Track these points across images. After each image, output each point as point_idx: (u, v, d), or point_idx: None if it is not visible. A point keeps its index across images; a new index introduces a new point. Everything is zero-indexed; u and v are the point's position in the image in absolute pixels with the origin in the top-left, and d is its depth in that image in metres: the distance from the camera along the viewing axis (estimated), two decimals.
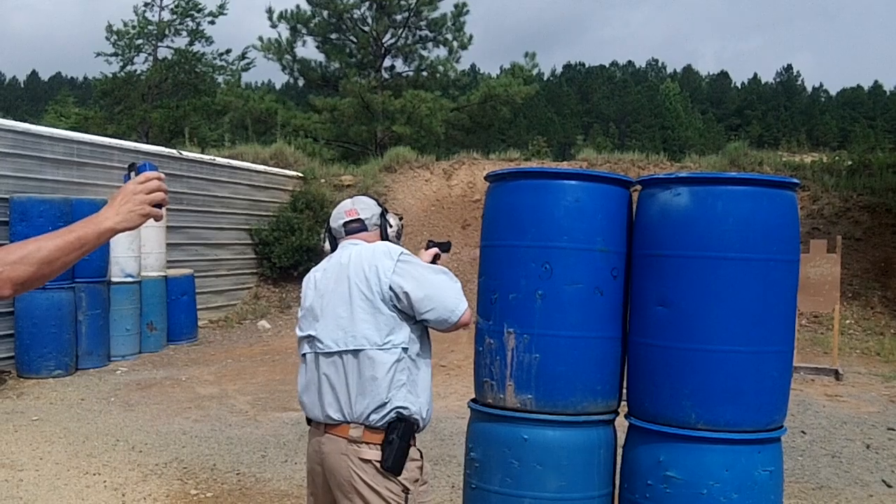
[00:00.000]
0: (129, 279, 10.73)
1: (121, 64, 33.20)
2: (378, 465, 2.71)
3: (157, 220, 1.96)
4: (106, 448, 6.50)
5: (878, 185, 16.00)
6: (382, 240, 3.04)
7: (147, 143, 18.80)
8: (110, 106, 33.57)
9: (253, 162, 16.92)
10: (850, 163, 17.88)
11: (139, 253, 10.95)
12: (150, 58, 33.47)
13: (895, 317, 13.16)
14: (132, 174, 1.98)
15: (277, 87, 42.07)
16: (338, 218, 3.10)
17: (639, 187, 3.60)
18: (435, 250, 3.31)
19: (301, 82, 29.70)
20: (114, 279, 10.53)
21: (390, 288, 2.75)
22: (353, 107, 25.90)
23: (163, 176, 1.98)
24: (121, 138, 15.29)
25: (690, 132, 71.22)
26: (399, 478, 2.73)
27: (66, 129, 15.36)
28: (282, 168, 17.58)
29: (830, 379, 9.90)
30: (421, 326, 2.88)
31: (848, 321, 12.92)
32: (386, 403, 2.71)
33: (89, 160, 11.13)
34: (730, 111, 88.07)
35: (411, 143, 22.85)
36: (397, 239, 3.07)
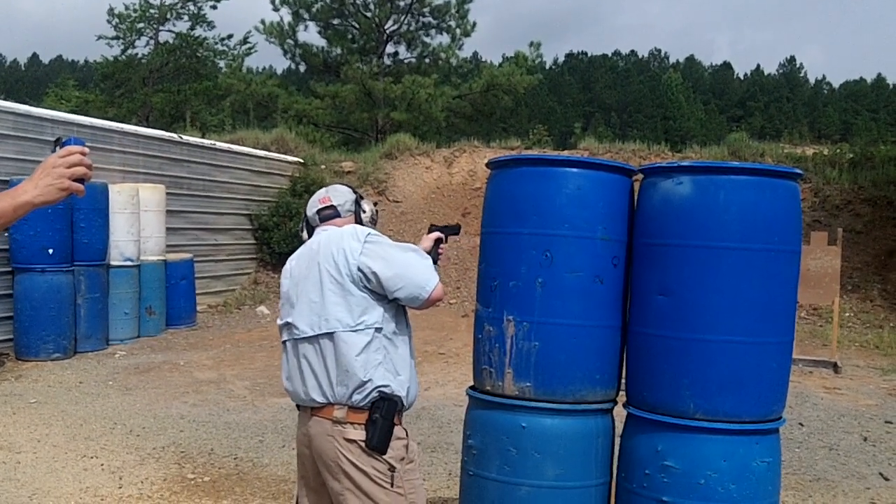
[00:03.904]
0: (129, 263, 10.71)
1: (122, 47, 33.11)
2: (363, 444, 2.73)
3: (78, 195, 1.90)
4: (104, 431, 6.49)
5: (879, 178, 15.96)
6: (357, 223, 3.03)
7: (148, 126, 18.75)
8: (111, 89, 33.48)
9: (254, 147, 16.89)
10: (851, 155, 17.82)
11: (139, 237, 10.93)
12: (152, 41, 33.35)
13: (894, 310, 13.15)
14: (57, 148, 1.93)
15: (279, 72, 41.84)
16: (312, 206, 3.10)
17: (640, 176, 3.59)
18: (436, 235, 3.27)
19: (302, 68, 29.56)
20: (113, 263, 10.51)
21: (359, 269, 2.76)
22: (354, 93, 25.81)
23: (86, 150, 1.92)
24: (121, 122, 15.24)
25: (692, 123, 71.02)
26: (385, 456, 2.74)
27: (67, 112, 15.30)
28: (282, 154, 17.55)
29: (829, 371, 9.90)
30: (395, 305, 2.87)
31: (847, 314, 12.92)
32: (366, 383, 2.72)
33: (89, 143, 10.99)
34: (732, 102, 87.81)
35: (412, 131, 22.78)
36: (372, 224, 3.05)
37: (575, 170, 3.47)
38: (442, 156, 18.87)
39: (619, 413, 3.56)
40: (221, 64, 33.59)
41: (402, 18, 27.70)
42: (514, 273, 3.41)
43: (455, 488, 4.45)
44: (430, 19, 27.68)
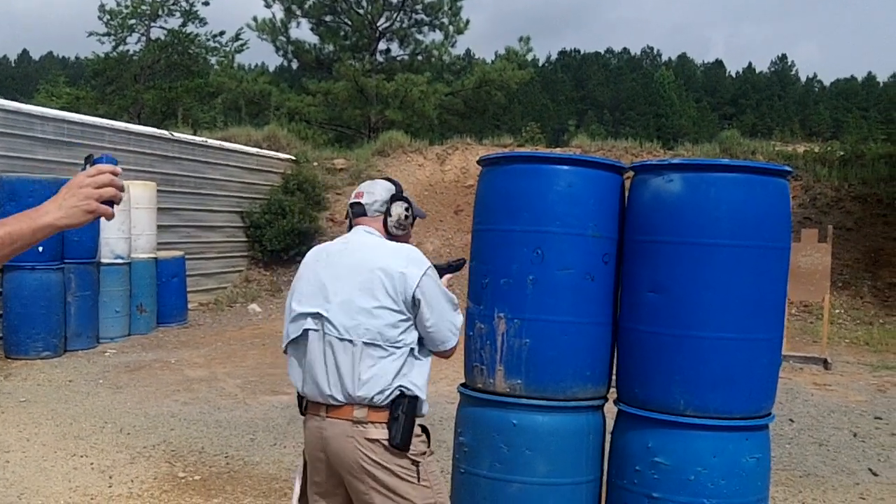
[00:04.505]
0: (119, 260, 10.69)
1: (113, 44, 32.94)
2: (386, 443, 2.70)
3: (107, 218, 1.72)
4: (94, 430, 6.48)
5: (870, 175, 16.03)
6: (384, 227, 2.96)
7: (139, 124, 18.69)
8: (102, 86, 33.34)
9: (245, 144, 16.85)
10: (842, 153, 17.88)
11: (129, 234, 10.89)
12: (143, 38, 33.21)
13: (884, 307, 13.21)
14: (87, 166, 1.76)
15: (271, 69, 41.77)
16: (351, 197, 3.08)
17: (631, 173, 3.59)
18: (447, 278, 3.17)
19: (295, 65, 29.54)
20: (103, 260, 10.47)
21: (413, 297, 2.75)
22: (346, 90, 25.79)
23: (118, 170, 1.74)
24: (112, 119, 15.19)
25: (684, 120, 71.05)
26: (408, 453, 2.72)
27: (58, 108, 15.25)
28: (274, 151, 17.52)
29: (819, 368, 9.93)
30: None
31: (837, 310, 12.97)
32: (388, 386, 2.71)
33: (80, 140, 11.06)
34: (724, 100, 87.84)
35: (404, 128, 22.78)
36: (398, 229, 2.97)
37: (566, 167, 3.47)
38: (434, 153, 18.87)
39: (610, 410, 3.56)
40: (213, 61, 33.49)
41: (395, 15, 27.70)
42: (506, 270, 3.41)
43: (447, 486, 4.44)
44: (423, 16, 27.70)
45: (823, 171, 16.39)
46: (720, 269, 3.18)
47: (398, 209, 2.98)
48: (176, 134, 14.38)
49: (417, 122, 26.24)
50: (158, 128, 15.79)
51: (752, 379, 3.24)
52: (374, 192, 3.01)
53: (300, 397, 2.93)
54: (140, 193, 11.33)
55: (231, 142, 16.41)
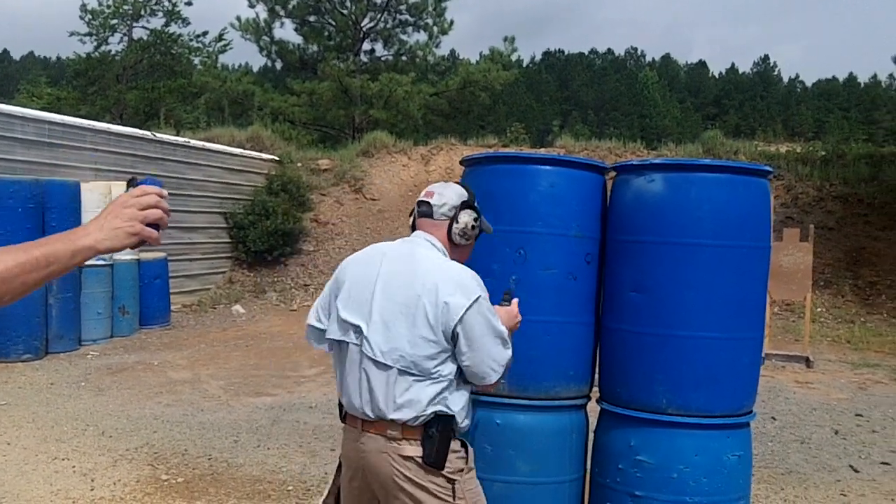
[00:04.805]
0: (101, 262, 10.61)
1: (95, 44, 32.75)
2: (420, 460, 2.61)
3: (151, 242, 1.62)
4: (75, 433, 6.43)
5: (851, 175, 16.16)
6: (448, 234, 2.81)
7: (121, 124, 18.59)
8: (84, 86, 33.12)
9: (229, 145, 16.80)
10: (824, 153, 18.03)
11: None
12: (125, 38, 33.04)
13: (865, 305, 13.31)
14: (130, 188, 1.67)
15: (255, 69, 41.68)
16: (419, 197, 2.92)
17: (614, 173, 3.60)
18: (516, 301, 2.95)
19: (279, 65, 29.51)
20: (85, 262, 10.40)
21: (454, 331, 2.59)
22: (330, 90, 25.76)
23: (164, 192, 1.65)
24: (94, 119, 15.10)
25: (668, 121, 71.40)
26: (443, 471, 2.62)
27: (39, 109, 15.15)
28: (258, 151, 17.46)
29: (801, 366, 9.99)
30: None
31: (819, 309, 13.05)
32: (423, 412, 2.61)
33: (61, 141, 10.99)
34: (707, 100, 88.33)
35: (389, 128, 22.77)
36: (461, 238, 2.81)
37: (548, 167, 3.48)
38: (419, 153, 18.87)
39: (593, 409, 3.57)
40: (196, 61, 33.35)
41: (379, 16, 27.69)
42: (488, 270, 3.40)
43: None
44: (408, 17, 27.72)
45: (805, 171, 16.51)
46: (702, 268, 3.20)
47: (466, 217, 2.82)
48: (158, 135, 14.31)
49: (402, 122, 26.23)
50: (141, 128, 15.70)
51: (733, 377, 3.26)
52: (446, 194, 2.85)
53: (340, 405, 2.86)
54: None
55: (214, 142, 16.35)
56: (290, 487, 5.31)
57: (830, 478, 5.80)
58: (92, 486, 5.24)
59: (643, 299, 3.29)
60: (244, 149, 17.09)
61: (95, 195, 10.54)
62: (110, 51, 33.05)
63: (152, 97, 31.51)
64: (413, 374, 2.59)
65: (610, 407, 3.42)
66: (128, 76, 32.45)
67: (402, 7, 27.36)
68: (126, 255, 11.21)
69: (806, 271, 10.27)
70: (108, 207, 1.60)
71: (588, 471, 3.55)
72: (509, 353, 2.69)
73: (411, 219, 2.95)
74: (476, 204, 2.88)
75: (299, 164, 17.98)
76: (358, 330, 2.68)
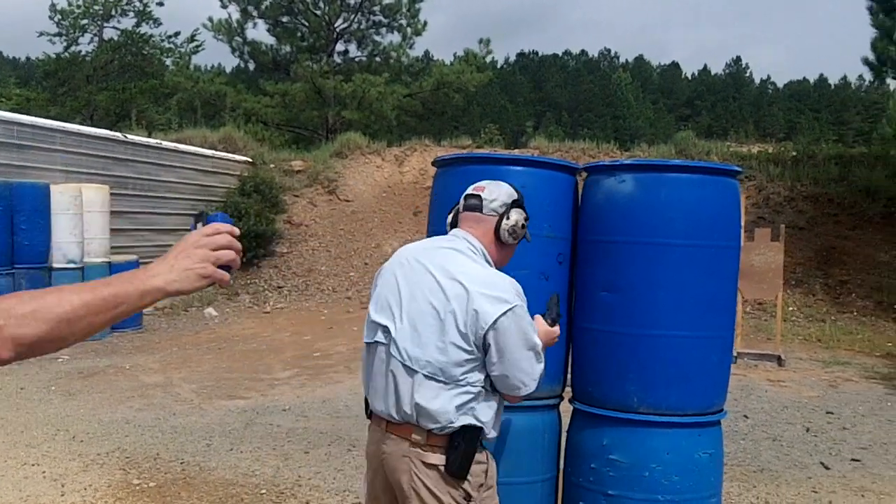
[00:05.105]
0: (72, 265, 10.52)
1: (65, 44, 32.46)
2: (442, 469, 2.54)
3: (222, 285, 1.54)
4: (45, 438, 6.36)
5: (821, 175, 16.33)
6: (495, 231, 2.74)
7: (92, 126, 18.41)
8: (54, 87, 32.81)
9: (201, 146, 16.70)
10: (795, 154, 18.21)
11: (82, 238, 10.72)
12: (96, 38, 32.76)
13: (836, 304, 13.45)
14: (199, 225, 1.60)
15: (227, 70, 41.41)
16: (467, 190, 2.84)
17: (585, 174, 3.61)
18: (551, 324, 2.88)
19: (251, 66, 29.34)
20: (55, 265, 10.30)
21: (485, 339, 2.51)
22: (304, 91, 25.68)
23: (237, 231, 1.58)
24: (65, 121, 14.94)
25: (641, 122, 71.89)
26: (464, 484, 2.56)
27: (7, 110, 14.97)
28: (231, 153, 17.37)
29: (773, 364, 10.08)
30: None
31: (791, 308, 13.17)
32: (451, 423, 2.54)
33: (31, 143, 10.86)
34: (680, 102, 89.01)
35: (362, 129, 22.73)
36: (509, 235, 2.73)
37: (519, 168, 3.48)
38: (393, 154, 18.86)
39: (566, 408, 3.58)
40: (168, 62, 33.14)
41: (353, 17, 27.65)
42: None
43: None
44: (381, 18, 27.68)
45: (776, 172, 16.67)
46: (673, 268, 3.21)
47: (517, 215, 2.74)
48: (130, 136, 14.19)
49: (375, 123, 26.20)
50: (112, 130, 15.57)
51: (704, 376, 3.28)
52: (497, 191, 2.78)
53: (367, 400, 2.82)
54: (93, 197, 11.16)
55: (186, 144, 16.25)
56: (263, 491, 5.28)
57: (802, 475, 5.86)
58: (62, 492, 5.18)
59: (614, 299, 3.30)
60: (217, 150, 16.99)
61: (65, 197, 10.44)
62: (80, 51, 32.79)
63: (123, 98, 31.25)
64: (439, 381, 2.51)
65: (582, 406, 3.43)
66: (98, 77, 32.16)
67: (376, 8, 27.34)
68: (97, 258, 11.12)
69: (777, 271, 10.36)
70: (178, 246, 1.52)
71: (561, 470, 3.56)
72: (541, 366, 2.61)
73: (450, 215, 2.89)
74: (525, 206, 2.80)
75: (272, 166, 17.90)
76: (386, 331, 2.62)
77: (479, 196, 2.75)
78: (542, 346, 2.64)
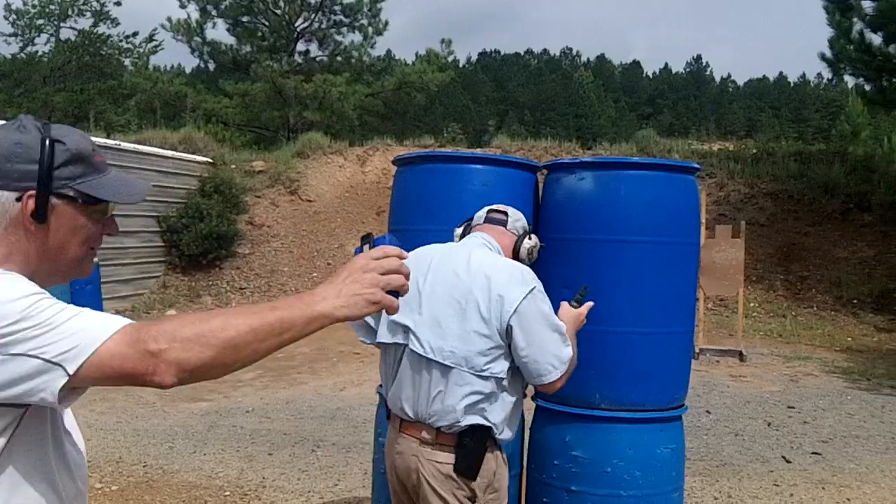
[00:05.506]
0: None
1: (21, 45, 32.01)
2: (450, 468, 2.56)
3: (390, 312, 1.46)
4: None
5: (781, 172, 16.55)
6: (514, 251, 2.78)
7: None
8: (10, 88, 32.32)
9: (161, 147, 16.50)
10: (755, 151, 18.42)
11: None
12: (53, 39, 32.33)
13: (796, 300, 13.64)
14: (365, 247, 1.53)
15: (187, 70, 41.04)
16: (485, 209, 2.90)
17: (545, 172, 3.62)
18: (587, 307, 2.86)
19: (211, 66, 29.10)
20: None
21: (508, 324, 2.52)
22: (264, 91, 25.51)
23: (405, 254, 1.50)
24: None
25: (603, 120, 72.32)
26: (471, 483, 2.57)
27: None
28: (191, 153, 17.19)
29: (735, 360, 10.20)
30: None
31: (752, 304, 13.34)
32: (458, 422, 2.55)
33: None
34: (642, 100, 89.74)
35: (324, 129, 22.64)
36: (526, 255, 2.79)
37: (480, 166, 3.49)
38: (355, 154, 18.79)
39: (528, 406, 3.58)
40: (127, 62, 32.81)
41: (313, 16, 27.51)
42: None
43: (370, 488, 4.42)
44: (342, 17, 27.57)
45: (737, 169, 16.86)
46: (632, 265, 3.23)
47: (536, 239, 2.84)
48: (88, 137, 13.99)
49: (337, 123, 26.11)
50: None
51: (665, 372, 3.31)
52: (520, 214, 2.86)
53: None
54: None
55: (146, 145, 16.06)
56: (227, 493, 5.24)
57: (763, 468, 5.93)
58: None
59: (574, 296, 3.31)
60: (177, 151, 16.81)
61: None
62: (37, 52, 32.37)
63: (81, 99, 30.87)
64: (463, 370, 2.52)
65: (544, 403, 3.44)
66: (56, 78, 31.74)
67: (337, 7, 27.23)
68: None
69: (738, 267, 10.48)
70: (345, 269, 1.44)
71: (524, 467, 3.57)
72: (570, 350, 2.61)
73: (461, 228, 2.94)
74: None
75: (233, 166, 17.75)
76: (406, 329, 2.62)
77: (505, 213, 2.84)
78: (570, 331, 2.67)
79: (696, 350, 10.11)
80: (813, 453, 6.34)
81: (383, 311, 1.44)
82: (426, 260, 2.71)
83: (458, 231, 2.94)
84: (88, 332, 1.29)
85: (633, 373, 3.24)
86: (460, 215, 3.38)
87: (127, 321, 1.34)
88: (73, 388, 1.28)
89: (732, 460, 6.12)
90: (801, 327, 12.48)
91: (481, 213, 2.89)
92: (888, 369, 9.86)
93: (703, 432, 6.85)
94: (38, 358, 1.25)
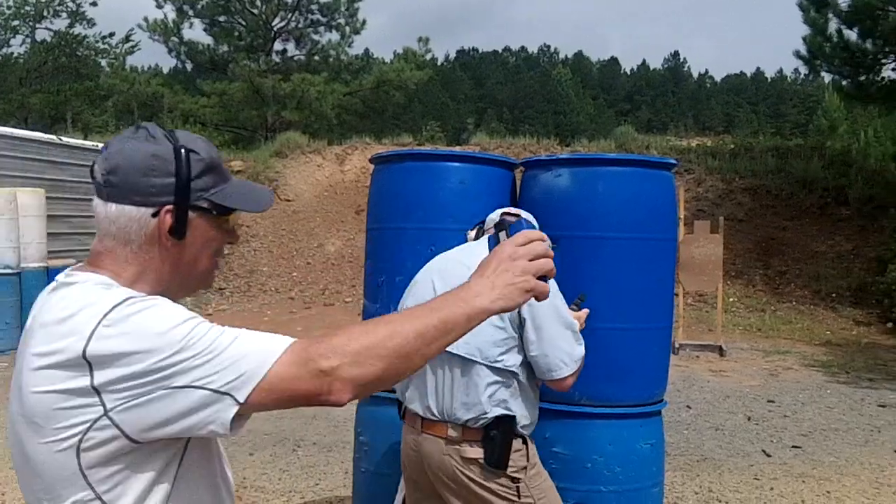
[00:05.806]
0: (8, 270, 10.26)
1: None
2: (482, 461, 2.59)
3: (540, 298, 1.40)
4: None
5: (759, 167, 16.65)
6: None
7: (26, 128, 17.99)
8: None
9: None
10: (733, 146, 18.51)
11: (18, 243, 10.47)
12: (28, 40, 32.03)
13: (775, 294, 13.73)
14: (501, 235, 1.49)
15: (165, 70, 40.75)
16: (499, 210, 2.93)
17: (523, 169, 3.63)
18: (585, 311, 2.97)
19: (189, 66, 28.94)
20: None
21: (520, 313, 2.56)
22: (242, 91, 25.40)
23: (545, 237, 1.45)
24: None
25: (582, 117, 72.41)
26: (506, 471, 2.60)
27: None
28: None
29: (715, 355, 10.25)
30: None
31: (731, 299, 13.40)
32: (485, 414, 2.58)
33: None
34: (620, 97, 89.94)
35: (303, 128, 22.55)
36: None
37: (457, 164, 3.48)
38: (334, 153, 18.74)
39: None
40: (103, 63, 32.50)
41: (290, 15, 27.41)
42: (401, 268, 3.39)
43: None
44: (319, 16, 27.48)
45: (715, 165, 16.94)
46: (610, 261, 3.24)
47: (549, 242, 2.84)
48: (65, 139, 13.89)
49: (315, 122, 26.03)
50: (47, 132, 15.21)
51: (643, 367, 3.32)
52: (531, 219, 2.86)
53: (399, 402, 2.85)
54: (28, 201, 10.90)
55: None
56: None
57: (744, 463, 5.96)
58: (3, 500, 5.05)
59: None
60: None
61: (0, 202, 10.19)
62: (12, 53, 32.03)
63: (58, 100, 30.60)
64: (477, 362, 2.55)
65: None
66: (32, 79, 31.44)
67: (314, 7, 27.13)
68: (34, 263, 10.86)
69: (717, 262, 10.53)
70: (492, 260, 1.39)
71: None
72: (582, 349, 2.63)
73: (473, 231, 2.96)
74: None
75: None
76: None
77: (518, 215, 2.84)
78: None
79: (676, 345, 10.16)
80: (793, 447, 6.39)
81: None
82: (439, 262, 2.79)
83: (471, 234, 2.97)
84: (255, 355, 1.25)
85: (612, 369, 3.25)
86: (438, 213, 3.38)
87: (291, 339, 1.29)
88: (240, 415, 1.24)
89: (713, 455, 6.15)
90: (780, 322, 12.56)
91: (494, 216, 2.91)
92: (867, 362, 9.94)
93: (683, 427, 6.88)
94: (206, 389, 1.21)
